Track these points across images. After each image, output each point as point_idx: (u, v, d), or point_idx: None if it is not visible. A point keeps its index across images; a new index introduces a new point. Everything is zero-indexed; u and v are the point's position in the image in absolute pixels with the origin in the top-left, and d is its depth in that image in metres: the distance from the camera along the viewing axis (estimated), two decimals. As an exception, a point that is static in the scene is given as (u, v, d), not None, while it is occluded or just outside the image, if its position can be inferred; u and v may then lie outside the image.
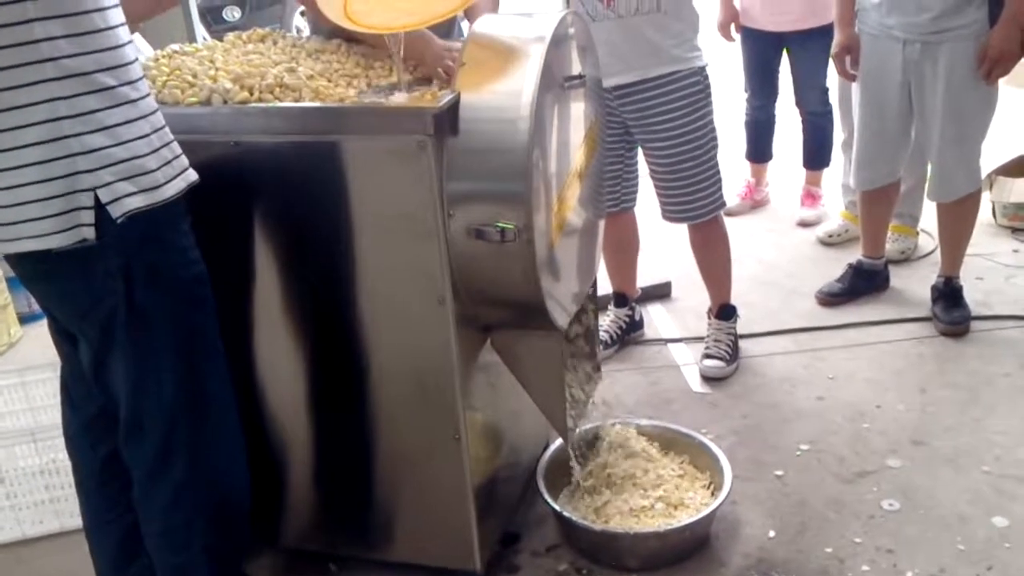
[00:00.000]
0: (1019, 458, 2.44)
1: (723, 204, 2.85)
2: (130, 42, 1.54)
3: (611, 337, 3.09)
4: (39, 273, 1.60)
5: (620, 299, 3.17)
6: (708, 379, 2.91)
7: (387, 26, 1.79)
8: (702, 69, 2.69)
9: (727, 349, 2.96)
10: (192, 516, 1.74)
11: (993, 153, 3.67)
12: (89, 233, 1.48)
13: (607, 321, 3.11)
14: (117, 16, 1.52)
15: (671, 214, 2.85)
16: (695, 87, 2.66)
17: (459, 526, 1.94)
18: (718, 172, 2.80)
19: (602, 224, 2.31)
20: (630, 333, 3.18)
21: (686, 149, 2.70)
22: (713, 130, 2.75)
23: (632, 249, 3.15)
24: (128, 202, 1.50)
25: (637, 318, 3.22)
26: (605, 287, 3.03)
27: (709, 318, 3.04)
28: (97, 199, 1.47)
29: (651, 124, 2.70)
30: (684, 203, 2.79)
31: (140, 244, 1.55)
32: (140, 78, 1.55)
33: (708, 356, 2.95)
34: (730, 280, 3.02)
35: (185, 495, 1.72)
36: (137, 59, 1.57)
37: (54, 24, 1.42)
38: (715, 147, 2.77)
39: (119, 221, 1.49)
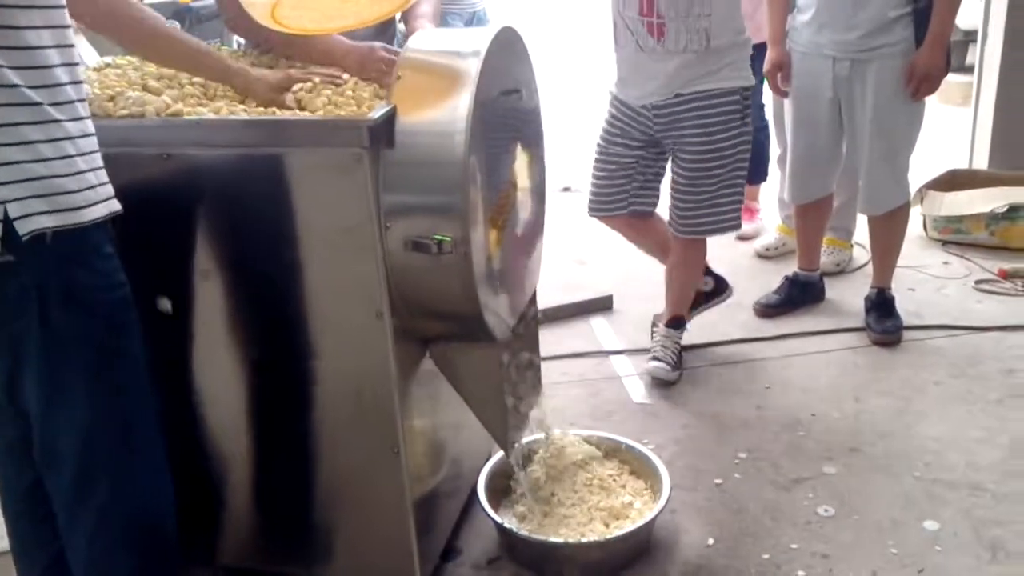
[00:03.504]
0: (949, 463, 2.50)
1: (736, 226, 2.82)
2: (62, 65, 1.51)
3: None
4: None
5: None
6: (654, 380, 2.94)
7: (316, 28, 1.77)
8: (745, 89, 2.68)
9: (673, 355, 2.99)
10: (118, 542, 1.69)
11: (923, 168, 3.78)
12: None
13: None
14: (50, 37, 1.48)
15: (681, 228, 2.81)
16: (733, 106, 2.66)
17: (399, 540, 1.92)
18: (737, 193, 2.76)
19: (542, 238, 2.32)
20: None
21: (711, 165, 2.69)
22: (743, 151, 2.72)
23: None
24: (37, 220, 1.44)
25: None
26: (544, 300, 3.04)
27: (657, 325, 3.07)
28: (6, 213, 1.43)
29: (683, 135, 2.69)
30: (694, 217, 2.77)
31: (57, 264, 1.50)
32: (70, 101, 1.51)
33: (655, 359, 2.97)
34: (691, 298, 3.06)
35: (109, 521, 1.67)
36: (71, 83, 1.53)
37: None
38: (741, 168, 2.74)
39: (25, 239, 1.44)
